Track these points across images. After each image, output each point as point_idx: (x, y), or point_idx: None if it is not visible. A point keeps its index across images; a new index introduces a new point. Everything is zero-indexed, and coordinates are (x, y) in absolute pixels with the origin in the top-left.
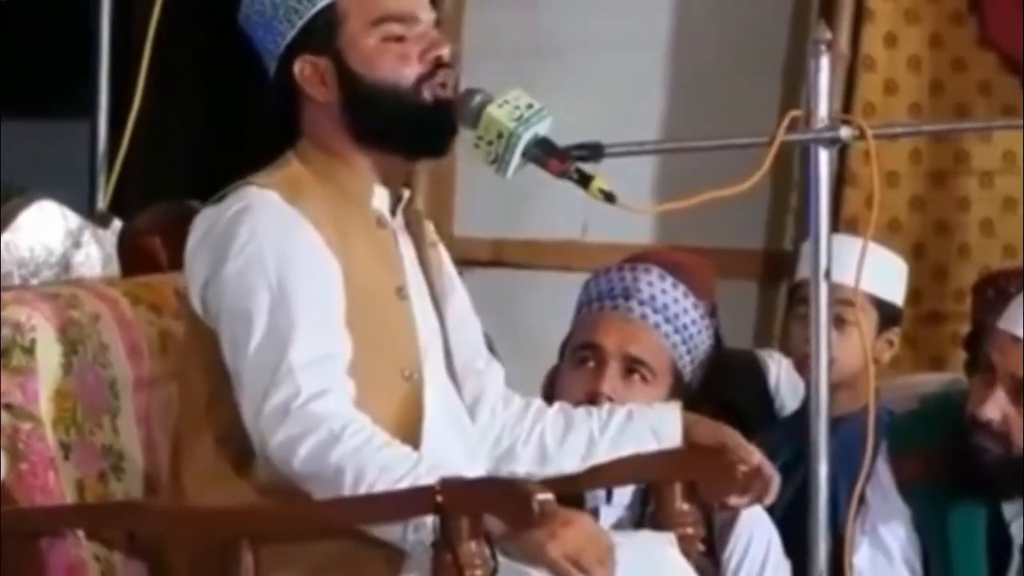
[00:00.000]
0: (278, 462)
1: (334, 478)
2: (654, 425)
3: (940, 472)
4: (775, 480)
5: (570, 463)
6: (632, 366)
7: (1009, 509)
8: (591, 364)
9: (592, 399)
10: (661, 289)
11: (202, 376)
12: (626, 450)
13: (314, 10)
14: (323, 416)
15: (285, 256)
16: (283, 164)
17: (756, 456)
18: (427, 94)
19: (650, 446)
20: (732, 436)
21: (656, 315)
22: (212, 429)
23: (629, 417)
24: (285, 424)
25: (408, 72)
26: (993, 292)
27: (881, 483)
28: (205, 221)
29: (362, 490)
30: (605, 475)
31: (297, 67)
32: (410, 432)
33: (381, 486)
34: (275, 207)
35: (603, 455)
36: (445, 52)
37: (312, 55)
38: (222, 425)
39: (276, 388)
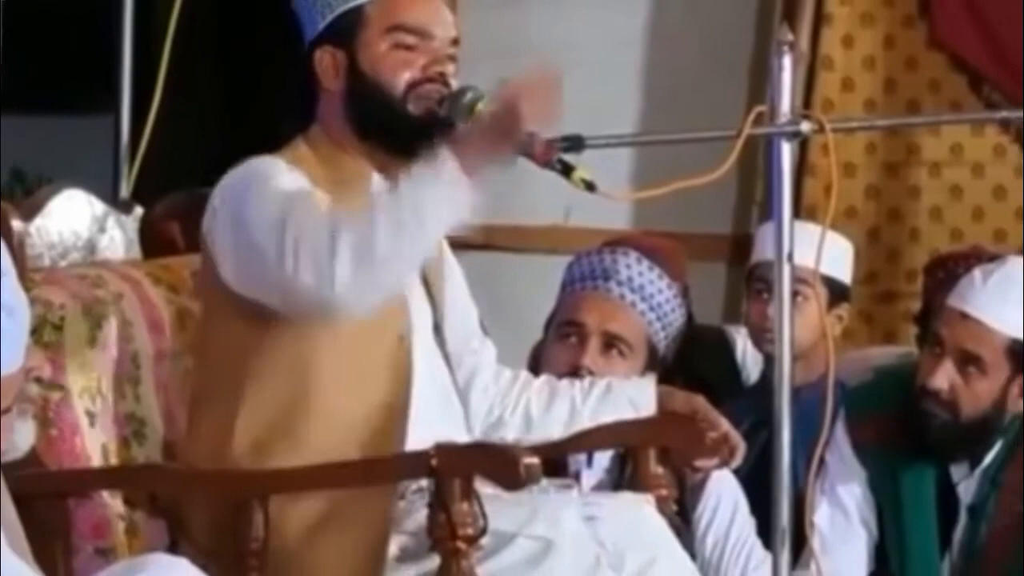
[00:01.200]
0: (325, 283)
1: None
2: (631, 396)
3: (893, 437)
4: (740, 446)
5: (554, 430)
6: (611, 341)
7: (957, 471)
8: (574, 340)
9: (574, 372)
10: (638, 271)
11: (220, 349)
12: (605, 419)
13: (343, 8)
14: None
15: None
16: (293, 147)
17: (723, 424)
18: (412, 105)
19: (628, 415)
20: (702, 405)
21: (633, 295)
22: (228, 401)
23: (608, 389)
24: (302, 252)
25: (405, 78)
26: (942, 273)
27: (839, 447)
28: (220, 192)
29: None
30: (586, 441)
31: (318, 55)
32: (400, 391)
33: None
34: (280, 165)
35: (584, 423)
36: (449, 70)
37: (332, 47)
38: (237, 396)
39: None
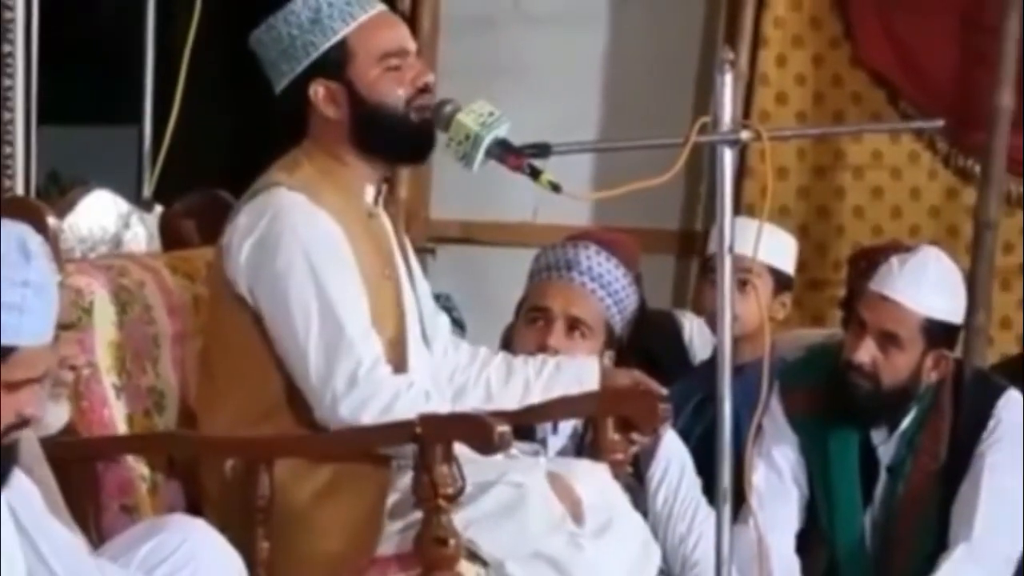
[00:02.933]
0: (349, 421)
1: None
2: (577, 374)
3: (821, 406)
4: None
5: (510, 403)
6: (574, 324)
7: (877, 435)
8: (541, 323)
9: (542, 350)
10: (597, 262)
11: (235, 334)
12: (555, 394)
13: (328, 45)
14: (383, 378)
15: (321, 251)
16: (295, 164)
17: (661, 389)
18: (413, 115)
19: (574, 391)
20: (641, 377)
21: (593, 283)
22: (245, 378)
23: (558, 367)
24: (355, 390)
25: (401, 94)
26: (864, 263)
27: (774, 416)
28: (247, 218)
29: None
30: (553, 411)
31: (312, 89)
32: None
33: None
34: (305, 208)
35: (536, 397)
36: (430, 79)
37: (326, 79)
38: (253, 375)
39: (340, 362)
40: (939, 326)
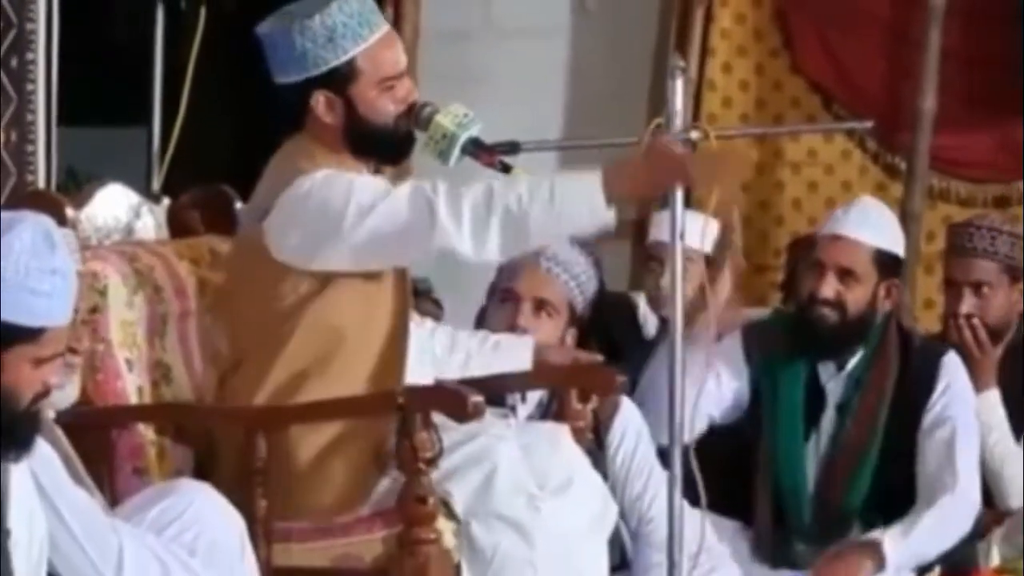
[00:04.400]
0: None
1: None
2: (513, 353)
3: (779, 346)
4: None
5: (451, 373)
6: (540, 305)
7: (824, 373)
8: (510, 304)
9: (511, 330)
10: (561, 248)
11: (265, 312)
12: (494, 369)
13: (337, 62)
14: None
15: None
16: (311, 154)
17: (599, 358)
18: (401, 127)
19: (509, 367)
20: (578, 352)
21: (557, 267)
22: (272, 349)
23: (497, 345)
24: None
25: (392, 110)
26: (801, 249)
27: (730, 352)
28: (298, 188)
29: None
30: (522, 381)
31: (314, 98)
32: (398, 335)
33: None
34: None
35: (476, 371)
36: (416, 95)
37: (328, 91)
38: (280, 345)
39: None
40: (888, 256)
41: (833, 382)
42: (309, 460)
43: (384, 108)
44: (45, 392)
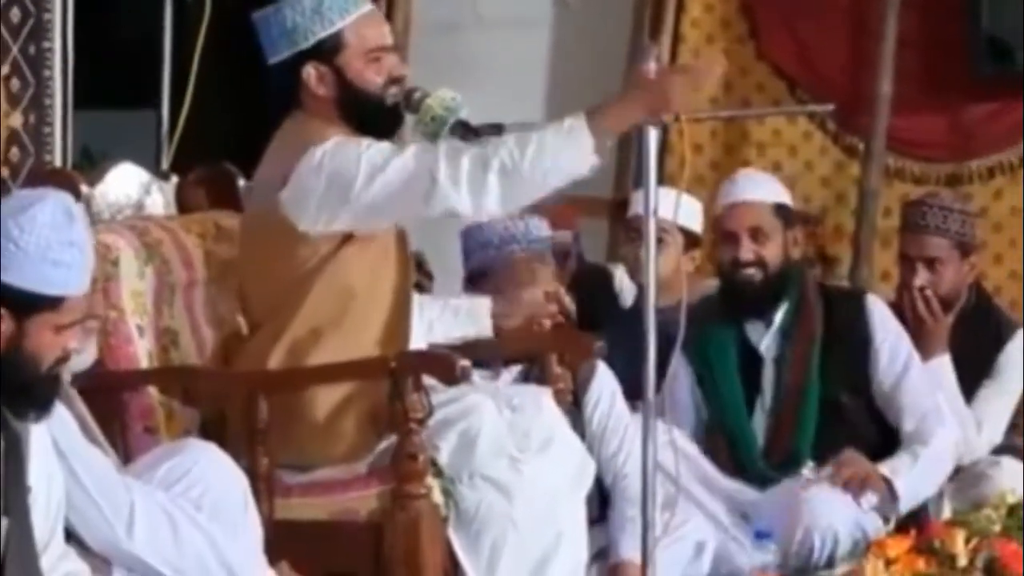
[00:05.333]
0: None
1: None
2: (472, 318)
3: (708, 316)
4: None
5: (418, 340)
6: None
7: (754, 332)
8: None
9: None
10: (536, 226)
11: (282, 277)
12: (455, 335)
13: (325, 34)
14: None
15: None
16: (318, 128)
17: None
18: (388, 99)
19: (471, 332)
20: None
21: (541, 247)
22: (288, 310)
23: (456, 310)
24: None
25: (379, 81)
26: None
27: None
28: (311, 158)
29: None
30: (506, 347)
31: (305, 71)
32: (403, 294)
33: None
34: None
35: (439, 336)
36: (404, 71)
37: (318, 63)
38: (296, 307)
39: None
40: (784, 208)
41: (765, 340)
42: (324, 415)
43: (372, 79)
44: (65, 357)
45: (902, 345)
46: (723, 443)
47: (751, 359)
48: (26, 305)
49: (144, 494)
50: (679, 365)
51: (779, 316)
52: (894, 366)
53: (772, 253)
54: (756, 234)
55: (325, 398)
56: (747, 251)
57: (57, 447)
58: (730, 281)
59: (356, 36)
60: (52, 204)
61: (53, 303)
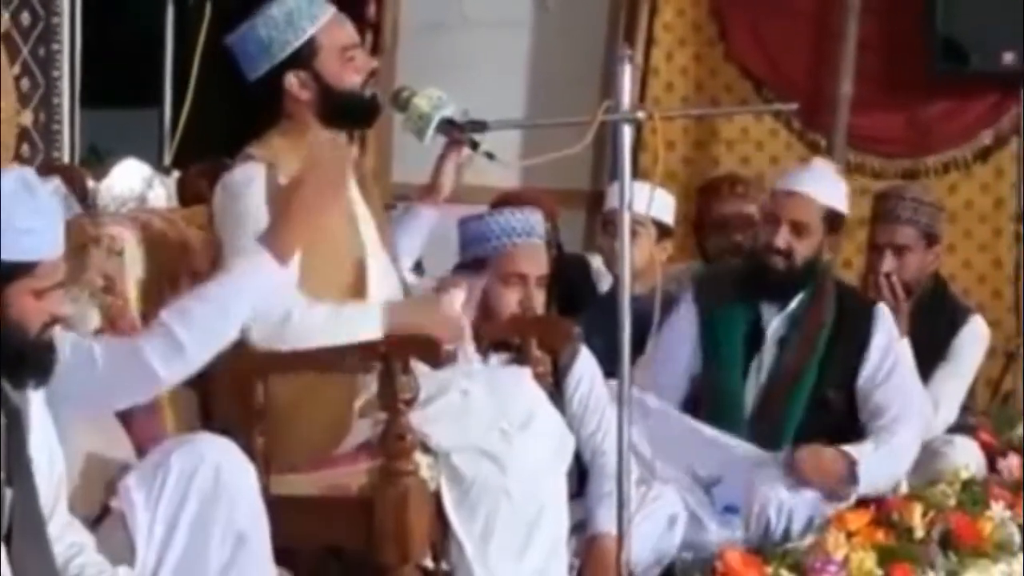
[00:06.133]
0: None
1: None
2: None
3: (725, 289)
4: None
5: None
6: (539, 282)
7: (767, 313)
8: (520, 287)
9: (526, 310)
10: (536, 220)
11: None
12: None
13: (299, 42)
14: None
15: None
16: (267, 142)
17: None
18: (366, 92)
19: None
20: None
21: (539, 239)
22: None
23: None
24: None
25: (357, 79)
26: (708, 190)
27: (682, 303)
28: (221, 186)
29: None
30: (491, 332)
31: (287, 79)
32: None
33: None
34: (258, 180)
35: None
36: (374, 64)
37: (298, 70)
38: None
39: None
40: (835, 214)
41: (775, 321)
42: (290, 401)
43: (349, 77)
44: (52, 322)
45: (893, 353)
46: (709, 410)
47: (756, 337)
48: (1, 275)
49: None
50: (684, 320)
51: (795, 302)
52: (881, 369)
53: (804, 249)
54: (798, 228)
55: (284, 386)
56: (782, 239)
57: (57, 420)
58: (756, 261)
59: (328, 38)
60: (9, 178)
61: (27, 268)
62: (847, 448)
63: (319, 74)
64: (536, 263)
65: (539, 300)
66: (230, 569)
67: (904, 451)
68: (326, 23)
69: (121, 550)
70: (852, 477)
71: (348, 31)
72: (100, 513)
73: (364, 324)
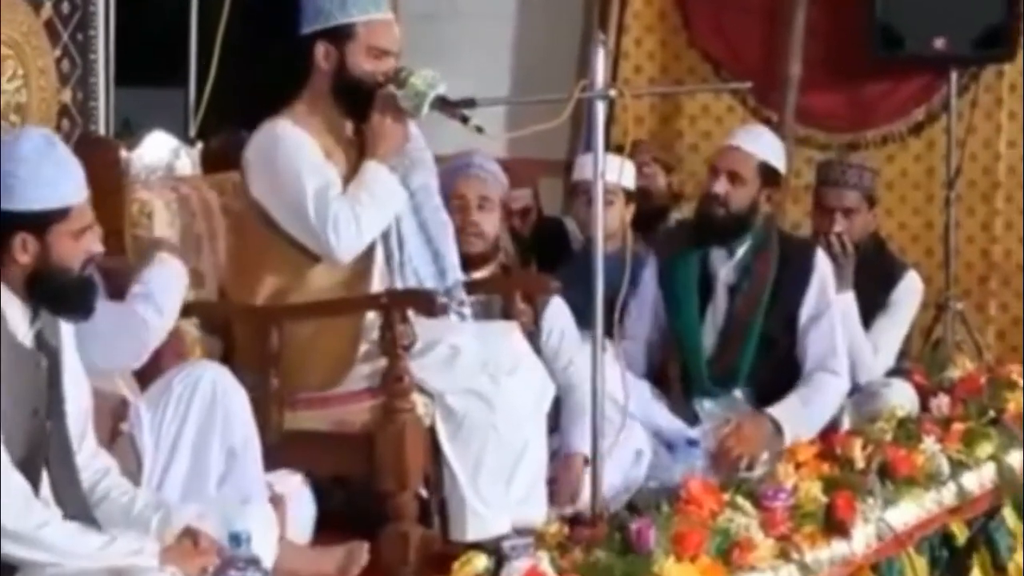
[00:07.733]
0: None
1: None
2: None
3: (678, 242)
4: None
5: None
6: (481, 204)
7: (717, 259)
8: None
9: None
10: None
11: (257, 231)
12: None
13: (341, 22)
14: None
15: (301, 149)
16: (295, 109)
17: None
18: (374, 86)
19: None
20: None
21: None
22: (267, 262)
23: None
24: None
25: (370, 70)
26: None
27: (646, 266)
28: (257, 141)
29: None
30: (479, 288)
31: (317, 47)
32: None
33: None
34: (293, 130)
35: None
36: (392, 66)
37: (328, 42)
38: (271, 261)
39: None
40: (769, 169)
41: (724, 268)
42: (305, 341)
43: (369, 73)
44: (90, 259)
45: (826, 297)
46: (674, 351)
47: (709, 284)
48: (40, 223)
49: None
50: (648, 273)
51: (741, 251)
52: (813, 312)
53: (739, 197)
54: (733, 177)
55: (299, 328)
56: (719, 187)
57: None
58: (700, 210)
59: (366, 32)
60: (29, 136)
61: (62, 214)
62: (771, 411)
63: (343, 54)
64: (475, 186)
65: (487, 221)
66: (225, 481)
67: (827, 404)
68: (373, 20)
69: (131, 467)
70: (779, 435)
71: (389, 35)
72: (111, 436)
73: None
